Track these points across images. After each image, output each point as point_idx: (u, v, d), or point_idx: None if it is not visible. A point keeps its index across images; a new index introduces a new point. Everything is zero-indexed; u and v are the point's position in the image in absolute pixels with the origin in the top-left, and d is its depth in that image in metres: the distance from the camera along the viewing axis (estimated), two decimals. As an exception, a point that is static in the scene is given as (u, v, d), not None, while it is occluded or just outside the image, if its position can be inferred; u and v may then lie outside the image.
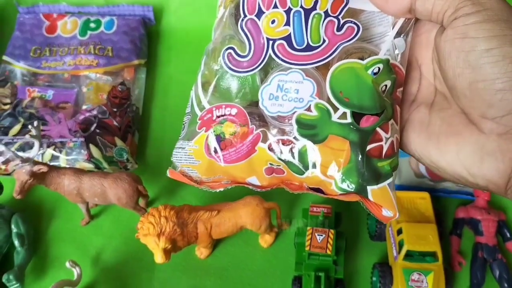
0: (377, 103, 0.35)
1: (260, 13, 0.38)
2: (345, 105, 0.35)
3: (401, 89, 0.37)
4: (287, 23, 0.38)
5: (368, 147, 0.35)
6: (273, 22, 0.39)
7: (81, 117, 0.73)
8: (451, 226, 0.68)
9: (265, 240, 0.65)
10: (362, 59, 0.37)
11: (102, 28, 0.83)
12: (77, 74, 0.79)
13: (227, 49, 0.39)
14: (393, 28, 0.38)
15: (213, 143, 0.39)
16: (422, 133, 0.35)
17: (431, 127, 0.35)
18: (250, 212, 0.60)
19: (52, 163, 0.69)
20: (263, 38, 0.38)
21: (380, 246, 0.66)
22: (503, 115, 0.30)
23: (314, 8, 0.38)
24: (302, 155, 0.37)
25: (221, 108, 0.40)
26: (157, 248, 0.55)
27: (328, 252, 0.57)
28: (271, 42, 0.38)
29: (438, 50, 0.33)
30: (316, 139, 0.36)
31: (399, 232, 0.60)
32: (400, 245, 0.59)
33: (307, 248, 0.57)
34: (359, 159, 0.35)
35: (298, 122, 0.36)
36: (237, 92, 0.40)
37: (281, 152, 0.37)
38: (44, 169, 0.59)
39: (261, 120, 0.39)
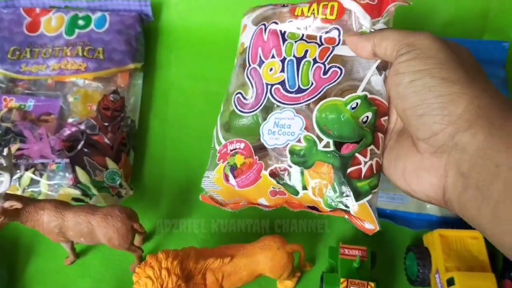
0: (355, 133, 0.41)
1: (261, 63, 0.46)
2: (328, 136, 0.42)
3: (386, 118, 0.43)
4: (282, 70, 0.45)
5: (349, 170, 0.41)
6: (271, 69, 0.46)
7: (66, 132, 0.62)
8: (502, 267, 0.57)
9: (285, 285, 0.55)
10: None
11: (92, 26, 0.72)
12: (62, 80, 0.68)
13: (236, 93, 0.47)
14: (372, 69, 0.43)
15: (229, 172, 0.46)
16: (388, 157, 0.41)
17: (393, 151, 0.41)
18: (270, 257, 0.49)
19: (31, 189, 0.59)
20: (263, 83, 0.46)
21: (420, 292, 0.56)
22: (429, 137, 0.35)
23: (304, 56, 0.45)
24: (296, 179, 0.43)
25: (233, 143, 0.47)
26: (156, 308, 0.44)
27: (368, 311, 0.47)
28: (269, 86, 0.46)
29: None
30: (305, 165, 0.42)
31: (450, 282, 0.50)
32: (452, 298, 0.49)
33: (341, 306, 0.47)
34: (341, 180, 0.42)
35: (291, 152, 0.43)
36: (245, 129, 0.47)
37: (279, 178, 0.44)
38: (18, 205, 0.48)
39: (264, 151, 0.46)
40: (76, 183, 0.58)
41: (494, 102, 0.33)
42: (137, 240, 0.57)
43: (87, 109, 0.65)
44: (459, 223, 0.58)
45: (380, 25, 0.45)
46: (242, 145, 0.46)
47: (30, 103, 0.65)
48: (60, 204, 0.51)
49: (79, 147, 0.61)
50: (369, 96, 0.43)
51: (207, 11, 0.78)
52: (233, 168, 0.46)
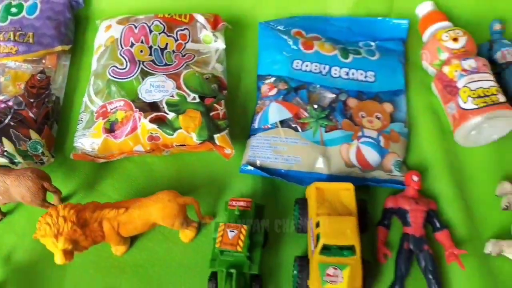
0: (212, 92, 0.68)
1: (132, 45, 0.72)
2: (194, 92, 0.67)
3: (226, 91, 0.72)
4: (151, 54, 0.71)
5: (211, 114, 0.65)
6: (141, 51, 0.71)
7: (-4, 108, 0.69)
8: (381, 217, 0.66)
9: (186, 234, 0.63)
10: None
11: (24, 13, 0.79)
12: (-5, 62, 0.75)
13: (111, 67, 0.69)
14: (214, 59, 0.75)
15: (109, 126, 0.64)
16: None
17: None
18: (161, 208, 0.57)
19: (-38, 159, 0.66)
20: (135, 59, 0.70)
21: (305, 238, 0.63)
22: None
23: (166, 48, 0.73)
24: (172, 122, 0.64)
25: (112, 103, 0.67)
26: (55, 249, 0.52)
27: (239, 249, 0.54)
28: (141, 62, 0.69)
29: None
30: (179, 112, 0.64)
31: (318, 225, 0.57)
32: (318, 238, 0.57)
33: (217, 245, 0.55)
34: (207, 120, 0.64)
35: (167, 103, 0.65)
36: (122, 91, 0.67)
37: (159, 123, 0.63)
38: None
39: (143, 105, 0.65)
40: (3, 152, 0.66)
41: None
42: (55, 199, 0.64)
43: (16, 87, 0.72)
44: (343, 179, 0.66)
45: (218, 34, 0.75)
46: (122, 103, 0.66)
47: (-35, 83, 0.73)
48: (-21, 167, 0.59)
49: (6, 121, 0.68)
50: (215, 74, 0.71)
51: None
52: (114, 122, 0.64)
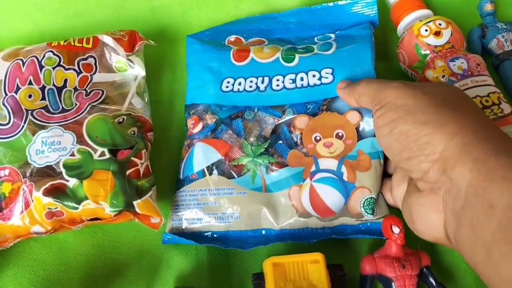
0: (127, 141, 0.50)
1: (17, 89, 0.51)
2: (101, 146, 0.48)
3: (152, 133, 0.54)
4: (43, 98, 0.51)
5: (128, 172, 0.48)
6: (30, 96, 0.51)
7: None
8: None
9: None
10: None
11: None
12: None
13: None
14: (131, 92, 0.54)
15: None
16: (402, 204, 0.43)
17: (404, 197, 0.43)
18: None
19: None
20: (22, 109, 0.50)
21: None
22: (421, 176, 0.37)
23: (65, 86, 0.52)
24: (74, 192, 0.46)
25: None
26: None
27: None
28: (29, 111, 0.50)
29: None
30: (83, 176, 0.46)
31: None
32: None
33: None
34: (122, 182, 0.47)
35: (65, 166, 0.47)
36: (6, 155, 0.49)
37: (56, 194, 0.46)
38: None
39: (34, 173, 0.47)
40: None
41: (479, 137, 0.33)
42: None
43: None
44: (298, 234, 0.50)
45: (134, 58, 0.56)
46: (7, 172, 0.48)
47: None
48: None
49: None
50: (133, 114, 0.53)
51: (32, 16, 0.68)
52: (0, 199, 0.47)
